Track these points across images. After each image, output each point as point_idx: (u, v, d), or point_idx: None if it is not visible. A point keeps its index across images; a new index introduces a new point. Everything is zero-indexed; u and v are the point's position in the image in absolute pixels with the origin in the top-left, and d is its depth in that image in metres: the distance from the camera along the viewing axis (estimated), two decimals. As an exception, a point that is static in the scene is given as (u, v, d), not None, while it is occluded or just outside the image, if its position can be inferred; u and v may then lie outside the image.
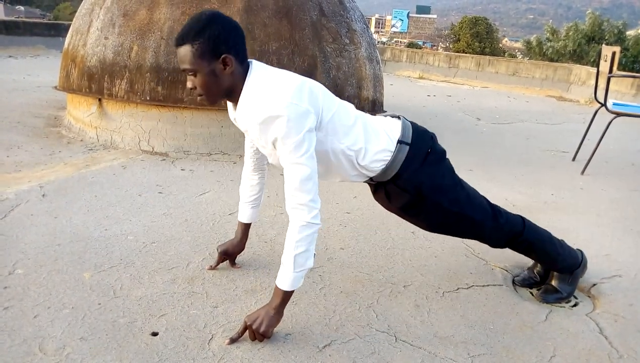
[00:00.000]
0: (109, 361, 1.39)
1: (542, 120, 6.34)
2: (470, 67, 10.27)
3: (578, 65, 10.16)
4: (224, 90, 1.46)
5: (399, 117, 1.76)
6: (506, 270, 2.18)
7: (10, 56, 8.86)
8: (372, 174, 1.68)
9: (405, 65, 11.29)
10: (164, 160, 3.34)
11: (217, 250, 1.94)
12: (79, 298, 1.68)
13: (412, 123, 1.74)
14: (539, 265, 2.08)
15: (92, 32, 3.54)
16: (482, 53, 19.27)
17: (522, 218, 1.92)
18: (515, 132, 5.40)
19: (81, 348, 1.43)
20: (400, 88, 8.62)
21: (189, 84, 1.45)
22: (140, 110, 3.44)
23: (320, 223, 1.46)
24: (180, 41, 1.39)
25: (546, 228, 1.99)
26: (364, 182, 1.76)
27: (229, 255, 1.94)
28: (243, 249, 1.96)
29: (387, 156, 1.63)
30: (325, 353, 1.51)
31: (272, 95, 1.39)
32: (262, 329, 1.48)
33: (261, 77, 1.45)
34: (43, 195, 2.56)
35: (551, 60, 16.59)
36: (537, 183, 3.51)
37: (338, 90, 3.68)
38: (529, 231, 1.90)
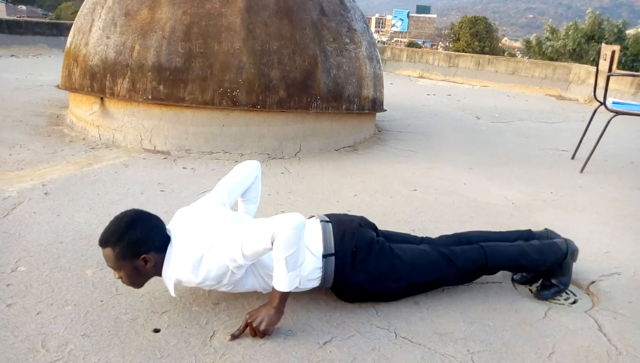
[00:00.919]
0: (111, 357, 1.40)
1: (541, 119, 6.34)
2: (469, 66, 10.27)
3: (577, 64, 10.16)
4: (149, 277, 1.58)
5: (319, 220, 1.77)
6: (506, 268, 2.19)
7: (12, 55, 8.88)
8: (310, 288, 1.72)
9: (405, 64, 11.29)
10: (165, 158, 3.35)
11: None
12: (81, 295, 1.69)
13: (331, 220, 1.77)
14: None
15: (94, 32, 3.55)
16: (482, 52, 19.30)
17: (482, 248, 1.89)
18: (515, 130, 5.41)
19: (84, 345, 1.44)
20: (400, 87, 8.63)
21: (115, 275, 1.54)
22: (142, 109, 3.46)
23: (303, 219, 1.48)
24: (104, 244, 1.49)
25: (545, 227, 2.00)
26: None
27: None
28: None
29: (318, 273, 1.68)
30: (325, 349, 1.52)
31: (181, 268, 1.51)
32: (262, 327, 1.50)
33: (173, 257, 1.53)
34: (45, 194, 2.57)
35: (551, 59, 16.59)
36: (536, 182, 3.52)
37: (338, 89, 3.70)
38: (493, 258, 1.88)
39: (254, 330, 1.52)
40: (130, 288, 1.74)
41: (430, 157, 3.93)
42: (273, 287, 1.51)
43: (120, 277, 1.53)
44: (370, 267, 1.71)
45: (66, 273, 1.83)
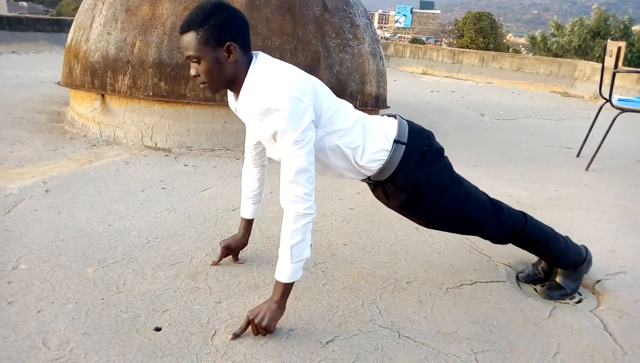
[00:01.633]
0: (112, 356, 1.39)
1: (546, 116, 6.30)
2: (474, 63, 10.22)
3: (583, 60, 10.10)
4: (226, 79, 1.46)
5: (395, 117, 1.75)
6: (510, 267, 2.17)
7: (13, 52, 8.87)
8: (369, 173, 1.68)
9: (409, 60, 11.25)
10: (167, 155, 3.34)
11: (220, 245, 1.94)
12: (82, 293, 1.68)
13: (408, 122, 1.74)
14: (543, 261, 2.07)
15: (95, 28, 3.54)
16: (486, 48, 19.20)
17: (524, 215, 1.92)
18: (520, 127, 5.38)
19: (85, 343, 1.43)
20: (404, 84, 8.59)
21: (192, 71, 1.44)
22: (143, 105, 3.44)
23: (314, 213, 1.47)
24: (186, 28, 1.39)
25: (550, 225, 1.98)
26: (361, 180, 1.76)
27: (232, 250, 1.94)
28: (246, 245, 1.96)
29: (384, 156, 1.63)
30: (328, 348, 1.51)
31: (275, 86, 1.39)
32: (264, 323, 1.48)
33: (265, 68, 1.45)
34: (46, 191, 2.56)
35: (556, 55, 16.51)
36: (541, 180, 3.49)
37: (341, 86, 3.67)
38: (531, 227, 1.89)
39: (256, 328, 1.50)
40: (131, 287, 1.73)
41: (434, 154, 3.89)
42: (275, 279, 1.49)
43: (197, 75, 1.43)
44: (433, 172, 1.68)
45: (67, 271, 1.81)
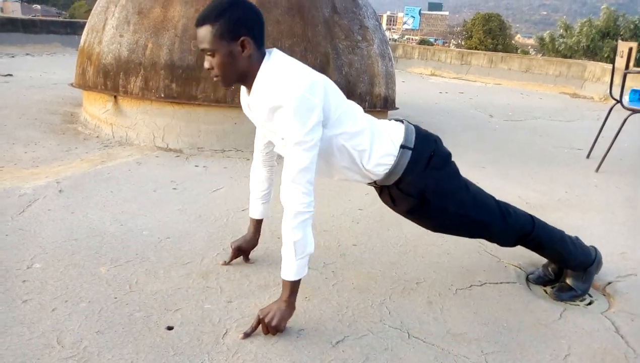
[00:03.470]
0: (125, 354, 1.41)
1: (555, 117, 6.27)
2: (482, 64, 10.19)
3: (592, 61, 10.03)
4: (239, 73, 1.48)
5: (402, 121, 1.76)
6: (520, 268, 2.17)
7: (27, 54, 8.99)
8: (375, 178, 1.69)
9: (417, 62, 11.23)
10: (178, 156, 3.37)
11: (231, 246, 1.95)
12: (95, 292, 1.71)
13: (415, 126, 1.75)
14: (552, 263, 2.07)
15: (108, 30, 3.58)
16: (495, 49, 19.10)
17: (532, 218, 1.91)
18: (529, 129, 5.36)
19: (98, 342, 1.45)
20: (412, 85, 8.59)
21: (206, 64, 1.47)
22: (154, 107, 3.48)
23: (313, 210, 1.48)
24: (202, 21, 1.42)
25: (560, 227, 1.98)
26: (367, 184, 1.78)
27: (243, 251, 1.96)
28: (256, 245, 1.98)
29: (390, 161, 1.64)
30: (338, 348, 1.52)
31: (287, 83, 1.41)
32: (274, 322, 1.50)
33: (278, 64, 1.47)
34: (60, 191, 2.60)
35: (564, 56, 16.39)
36: (551, 181, 3.48)
37: (350, 87, 3.68)
38: (539, 230, 1.89)
39: (266, 327, 1.51)
40: (144, 286, 1.76)
41: (443, 156, 3.88)
42: (282, 279, 1.51)
43: (210, 68, 1.46)
44: (440, 177, 1.68)
45: (80, 270, 1.84)
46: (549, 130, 5.33)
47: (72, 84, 4.04)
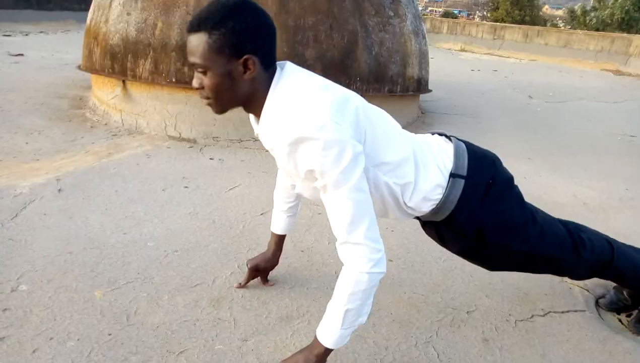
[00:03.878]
0: (115, 419, 1.14)
1: (600, 97, 5.77)
2: (517, 39, 9.57)
3: (639, 35, 9.31)
4: (239, 99, 1.13)
5: (449, 138, 1.40)
6: (587, 290, 1.84)
7: (41, 32, 8.76)
8: (419, 214, 1.35)
9: (446, 37, 10.66)
10: (191, 147, 3.08)
11: (247, 265, 1.66)
12: (86, 326, 1.44)
13: (467, 144, 1.38)
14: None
15: (114, 7, 3.26)
16: (522, 22, 18.15)
17: (611, 245, 1.55)
18: (573, 112, 4.90)
19: (84, 400, 1.18)
20: (442, 62, 8.08)
21: (195, 82, 1.12)
22: (166, 92, 3.18)
23: (384, 270, 1.14)
24: (196, 26, 1.06)
25: (627, 236, 1.62)
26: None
27: (261, 271, 1.66)
28: (276, 264, 1.68)
29: (439, 194, 1.29)
30: (378, 410, 1.22)
31: (306, 110, 1.06)
32: (300, 380, 1.20)
33: (292, 86, 1.12)
34: (59, 190, 2.34)
35: (596, 30, 15.41)
36: (607, 176, 3.08)
37: (381, 69, 3.31)
38: (620, 259, 1.53)
39: (289, 383, 1.22)
40: (144, 318, 1.48)
41: (482, 145, 3.47)
42: (315, 335, 1.20)
43: (200, 86, 1.11)
44: (501, 211, 1.34)
45: (72, 294, 1.57)
46: (596, 114, 4.86)
47: (79, 67, 3.76)
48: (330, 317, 1.16)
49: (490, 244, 1.36)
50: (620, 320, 1.71)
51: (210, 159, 2.91)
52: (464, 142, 1.39)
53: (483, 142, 3.83)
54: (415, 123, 3.99)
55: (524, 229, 1.38)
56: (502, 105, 4.95)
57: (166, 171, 2.67)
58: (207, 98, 1.13)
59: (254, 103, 1.14)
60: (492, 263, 1.48)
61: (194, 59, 1.08)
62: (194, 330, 1.45)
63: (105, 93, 3.50)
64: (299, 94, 1.09)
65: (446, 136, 1.41)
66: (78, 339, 1.38)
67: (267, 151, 3.10)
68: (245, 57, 1.06)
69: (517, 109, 4.87)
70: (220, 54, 1.05)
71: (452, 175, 1.28)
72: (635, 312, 1.70)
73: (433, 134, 1.45)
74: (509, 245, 1.37)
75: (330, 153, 1.04)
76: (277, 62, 1.16)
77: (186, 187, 2.48)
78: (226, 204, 2.32)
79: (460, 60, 8.62)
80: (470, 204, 1.30)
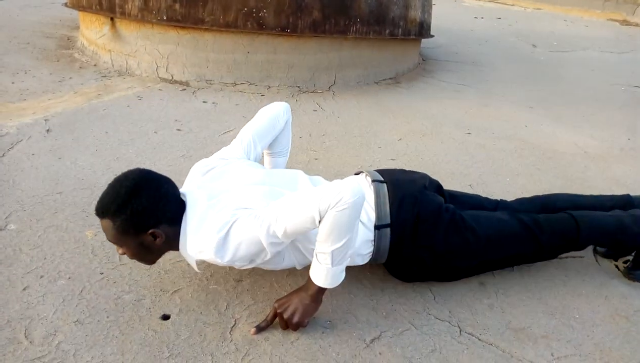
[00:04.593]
0: (107, 354, 1.13)
1: (606, 48, 5.61)
2: (522, -14, 9.20)
3: (647, -16, 8.97)
4: (160, 254, 1.26)
5: (366, 176, 1.40)
6: (585, 237, 1.82)
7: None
8: (356, 264, 1.37)
9: (449, -18, 10.23)
10: (184, 90, 2.98)
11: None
12: (78, 264, 1.41)
13: (387, 179, 1.37)
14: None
15: (100, -62, 3.06)
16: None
17: (573, 219, 1.49)
18: (578, 62, 4.77)
19: (75, 336, 1.17)
20: (444, 8, 7.78)
21: (118, 251, 1.23)
22: (156, 31, 3.03)
23: (361, 196, 1.09)
24: (100, 214, 1.15)
25: (625, 182, 1.59)
26: None
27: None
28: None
29: (369, 248, 1.32)
30: (374, 349, 1.22)
31: (203, 243, 1.16)
32: (295, 320, 1.19)
33: (194, 226, 1.18)
34: (48, 131, 2.26)
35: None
36: (609, 125, 3.02)
37: (382, 10, 3.16)
38: (587, 232, 1.49)
39: (284, 322, 1.21)
40: (135, 257, 1.45)
41: (484, 93, 3.42)
42: (310, 276, 1.18)
43: (123, 254, 1.23)
44: (435, 242, 1.34)
45: (62, 234, 1.54)
46: (601, 64, 4.73)
47: (66, 4, 3.57)
48: (318, 259, 1.14)
49: (438, 270, 1.40)
50: (617, 266, 1.70)
51: (204, 102, 2.81)
52: (384, 178, 1.38)
53: (486, 90, 3.74)
54: (416, 70, 3.87)
55: (465, 249, 1.38)
56: (505, 54, 4.81)
57: (158, 113, 2.58)
58: (136, 260, 1.25)
59: (174, 248, 1.23)
60: (451, 277, 1.47)
61: (109, 238, 1.18)
62: (188, 270, 1.43)
63: (93, 32, 3.35)
64: (194, 237, 1.17)
65: (367, 173, 1.41)
66: (69, 277, 1.36)
67: (262, 95, 3.01)
68: (150, 231, 1.15)
69: (520, 57, 4.74)
70: (126, 234, 1.15)
71: (377, 227, 1.29)
72: (631, 258, 1.69)
73: (357, 173, 1.47)
74: (455, 265, 1.41)
75: (227, 261, 1.16)
76: (181, 194, 1.24)
77: (179, 130, 2.41)
78: (220, 148, 2.23)
79: (464, 8, 8.32)
80: (403, 247, 1.33)
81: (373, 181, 1.37)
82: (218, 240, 1.12)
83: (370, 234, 1.30)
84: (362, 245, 1.30)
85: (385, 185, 1.36)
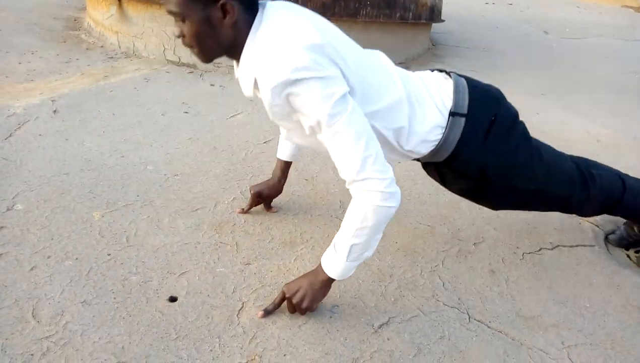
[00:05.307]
0: (115, 335, 1.12)
1: (619, 35, 5.52)
2: (535, -29, 9.04)
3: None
4: (223, 46, 1.07)
5: (448, 74, 1.30)
6: (597, 226, 1.80)
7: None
8: (418, 156, 1.28)
9: (460, -33, 10.06)
10: (191, 72, 2.95)
11: (250, 190, 1.60)
12: (85, 245, 1.40)
13: (468, 80, 1.28)
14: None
15: None
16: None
17: (622, 180, 1.48)
18: (590, 49, 4.70)
19: (83, 316, 1.16)
20: (454, -6, 7.69)
21: (175, 31, 1.06)
22: (164, 13, 2.99)
23: (397, 204, 1.05)
24: None
25: (638, 172, 1.56)
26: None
27: (264, 198, 1.61)
28: (281, 191, 1.62)
29: (438, 135, 1.22)
30: (382, 335, 1.21)
31: (285, 53, 0.97)
32: (304, 305, 1.18)
33: (272, 29, 1.02)
34: (54, 111, 2.25)
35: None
36: (622, 114, 2.98)
37: (393, -6, 3.11)
38: (630, 196, 1.47)
39: (292, 306, 1.20)
40: (143, 239, 1.44)
41: (495, 79, 3.34)
42: (320, 263, 1.16)
43: (181, 34, 1.05)
44: (505, 149, 1.27)
45: (70, 214, 1.53)
46: (614, 52, 4.66)
47: (72, -16, 3.54)
48: (335, 248, 1.12)
49: (494, 184, 1.31)
50: (628, 256, 1.69)
51: (211, 85, 2.79)
52: (466, 77, 1.30)
53: (497, 77, 3.68)
54: (426, 55, 3.82)
55: (529, 168, 1.32)
56: (517, 40, 4.74)
57: (165, 96, 2.56)
58: (191, 47, 1.08)
59: (235, 49, 1.07)
60: (497, 203, 1.43)
61: (170, 7, 1.01)
62: (195, 252, 1.42)
63: (100, 13, 3.31)
64: (278, 37, 1.00)
65: (446, 72, 1.31)
66: (76, 258, 1.35)
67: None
68: (222, 1, 1.00)
69: (532, 44, 4.67)
70: (195, 0, 0.99)
71: (452, 113, 1.21)
72: (644, 246, 1.67)
73: (433, 70, 1.35)
74: (514, 184, 1.32)
75: (315, 92, 0.97)
76: (260, 2, 1.07)
77: (186, 112, 2.39)
78: (228, 131, 2.23)
79: (474, -7, 8.20)
80: (471, 144, 1.23)
81: (452, 73, 1.31)
82: (286, 79, 0.97)
83: (442, 120, 1.22)
84: (431, 130, 1.21)
85: (464, 80, 1.30)
